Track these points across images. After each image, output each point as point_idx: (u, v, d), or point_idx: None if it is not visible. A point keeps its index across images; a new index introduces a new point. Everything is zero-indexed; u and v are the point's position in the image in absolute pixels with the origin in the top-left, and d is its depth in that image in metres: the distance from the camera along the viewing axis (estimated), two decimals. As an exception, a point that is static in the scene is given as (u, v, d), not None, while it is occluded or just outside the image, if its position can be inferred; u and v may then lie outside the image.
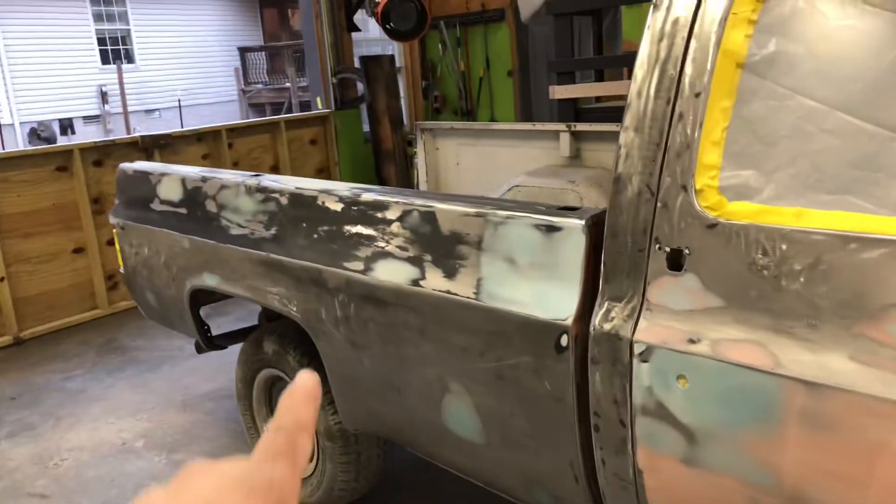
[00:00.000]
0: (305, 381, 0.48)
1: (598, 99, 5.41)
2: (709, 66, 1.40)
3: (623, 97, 5.49)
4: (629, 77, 5.62)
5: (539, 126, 3.68)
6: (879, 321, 1.19)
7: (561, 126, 3.55)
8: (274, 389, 2.90)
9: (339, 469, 2.60)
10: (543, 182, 3.42)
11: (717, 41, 1.39)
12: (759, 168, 1.35)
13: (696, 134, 1.41)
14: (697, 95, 1.41)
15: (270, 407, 2.95)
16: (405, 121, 7.29)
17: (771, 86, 1.35)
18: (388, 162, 7.11)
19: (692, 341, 1.40)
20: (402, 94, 7.38)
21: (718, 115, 1.39)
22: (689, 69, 1.43)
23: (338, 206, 2.20)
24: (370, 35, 9.06)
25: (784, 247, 1.30)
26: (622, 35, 6.32)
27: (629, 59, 5.81)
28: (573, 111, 4.95)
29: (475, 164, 4.13)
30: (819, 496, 1.27)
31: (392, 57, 7.05)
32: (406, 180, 6.97)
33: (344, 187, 2.24)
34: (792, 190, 1.31)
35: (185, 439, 3.50)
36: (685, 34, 1.43)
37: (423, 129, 4.27)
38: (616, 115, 4.68)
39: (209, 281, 2.73)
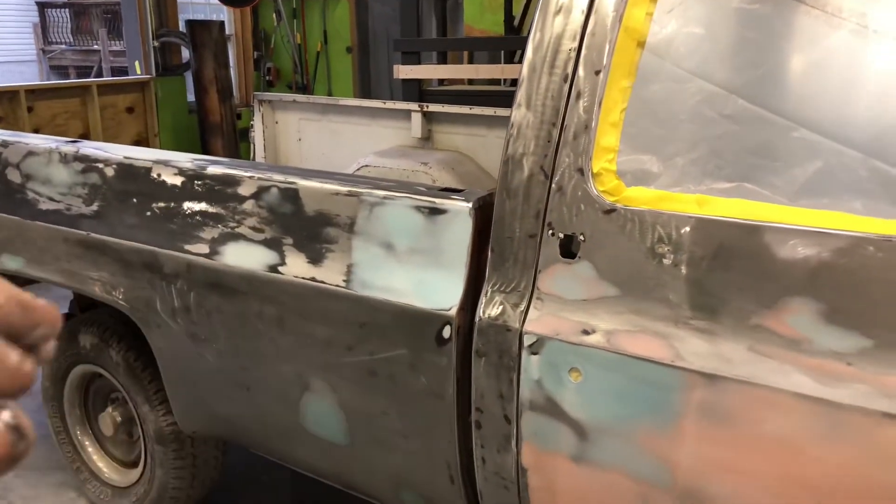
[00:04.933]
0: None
1: (440, 82, 5.35)
2: (609, 44, 1.32)
3: (467, 81, 5.43)
4: (470, 62, 5.57)
5: (390, 104, 3.53)
6: (778, 311, 1.18)
7: (413, 106, 3.42)
8: (91, 388, 2.53)
9: (172, 475, 2.32)
10: (394, 163, 3.29)
11: (618, 17, 1.32)
12: (657, 152, 1.30)
13: (594, 114, 1.33)
14: (597, 73, 1.33)
15: (86, 408, 2.57)
16: (235, 92, 6.82)
17: (671, 67, 1.30)
18: (215, 135, 6.60)
19: (586, 332, 1.33)
20: (231, 63, 6.89)
21: (618, 94, 1.32)
22: (588, 45, 1.34)
23: (177, 180, 1.92)
24: (196, -2, 8.39)
25: (683, 235, 1.25)
26: (463, 19, 6.32)
27: (478, 43, 5.81)
28: (418, 92, 4.85)
29: (318, 141, 3.89)
30: (713, 490, 1.25)
31: (222, 23, 6.53)
32: (235, 154, 6.53)
33: (185, 158, 1.96)
34: (690, 176, 1.27)
35: (-26, 448, 2.99)
36: (584, 7, 1.35)
37: (261, 101, 3.96)
38: (461, 98, 4.64)
39: (10, 263, 2.31)
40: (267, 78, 7.15)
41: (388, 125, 3.56)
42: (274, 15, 7.03)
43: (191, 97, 6.51)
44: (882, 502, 1.11)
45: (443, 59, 5.36)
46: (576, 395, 1.35)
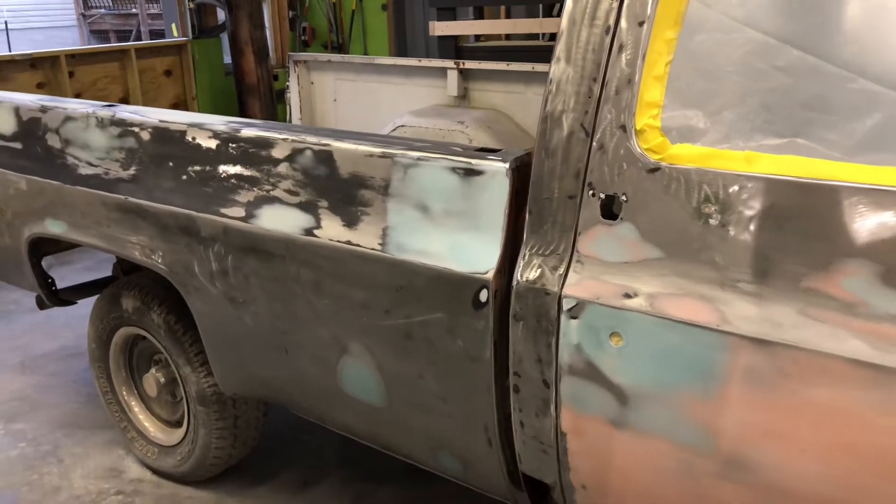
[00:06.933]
0: None
1: (477, 38, 5.25)
2: (653, -8, 1.25)
3: (504, 36, 5.32)
4: (507, 16, 5.43)
5: (425, 62, 3.46)
6: (832, 274, 1.12)
7: (449, 63, 3.35)
8: (135, 350, 2.58)
9: (214, 436, 2.36)
10: (430, 122, 3.23)
11: (663, -37, 1.24)
12: (704, 107, 1.23)
13: (638, 68, 1.26)
14: (641, 24, 1.26)
15: (131, 370, 2.63)
16: (271, 53, 6.78)
17: (719, 16, 1.23)
18: (252, 96, 6.59)
19: (628, 296, 1.29)
20: (266, 24, 6.84)
21: (662, 46, 1.25)
22: (630, -6, 1.27)
23: (212, 143, 1.91)
24: (230, -42, 8.31)
25: (732, 194, 1.19)
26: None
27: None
28: (454, 49, 4.76)
29: (354, 101, 3.86)
30: (758, 458, 1.21)
31: (256, -17, 6.47)
32: (272, 116, 6.53)
33: (219, 121, 1.94)
34: (739, 132, 1.21)
35: (25, 406, 3.10)
36: (627, -47, 1.28)
37: (296, 62, 3.93)
38: (499, 54, 4.54)
39: (53, 228, 2.35)
40: (302, 38, 7.10)
41: (423, 84, 3.49)
42: (308, -27, 6.94)
43: (227, 59, 6.50)
44: (940, 472, 1.06)
45: (479, 15, 5.25)
46: (617, 359, 1.31)
